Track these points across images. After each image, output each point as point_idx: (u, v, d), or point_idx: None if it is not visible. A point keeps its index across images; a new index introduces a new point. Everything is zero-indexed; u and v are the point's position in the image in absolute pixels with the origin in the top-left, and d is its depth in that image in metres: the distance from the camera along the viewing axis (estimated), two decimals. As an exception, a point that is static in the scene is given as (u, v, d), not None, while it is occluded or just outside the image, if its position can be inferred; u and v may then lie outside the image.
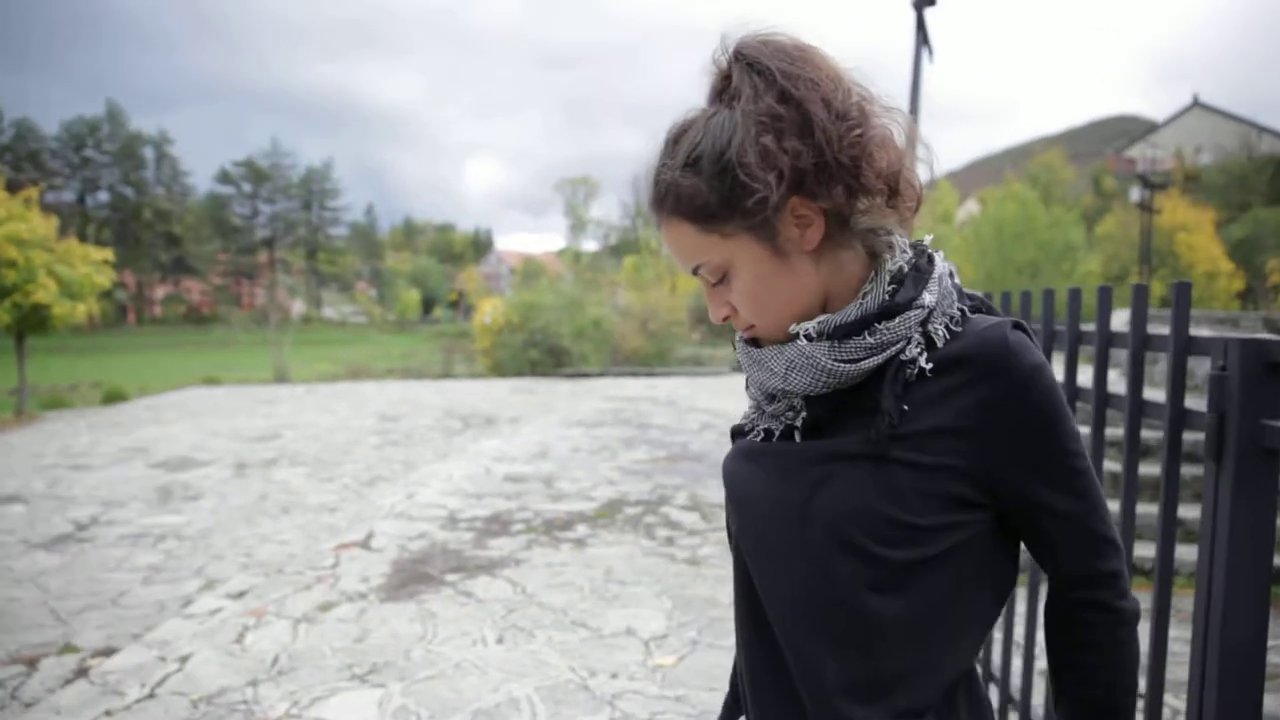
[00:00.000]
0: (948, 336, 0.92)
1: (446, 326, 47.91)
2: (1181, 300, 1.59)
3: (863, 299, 0.92)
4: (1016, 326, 0.91)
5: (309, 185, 69.80)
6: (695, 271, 0.95)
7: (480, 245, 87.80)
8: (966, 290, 0.99)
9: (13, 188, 14.08)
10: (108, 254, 14.57)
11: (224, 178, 67.77)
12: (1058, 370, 2.19)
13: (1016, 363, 0.88)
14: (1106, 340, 1.88)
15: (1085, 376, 2.15)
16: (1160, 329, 1.79)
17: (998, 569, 0.95)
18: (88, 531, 5.85)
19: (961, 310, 0.94)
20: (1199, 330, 4.64)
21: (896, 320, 0.91)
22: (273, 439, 9.88)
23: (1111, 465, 4.75)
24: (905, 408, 0.90)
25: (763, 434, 1.01)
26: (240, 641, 3.64)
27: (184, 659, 3.47)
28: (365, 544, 5.10)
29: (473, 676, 3.27)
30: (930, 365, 0.90)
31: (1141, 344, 1.75)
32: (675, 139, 0.93)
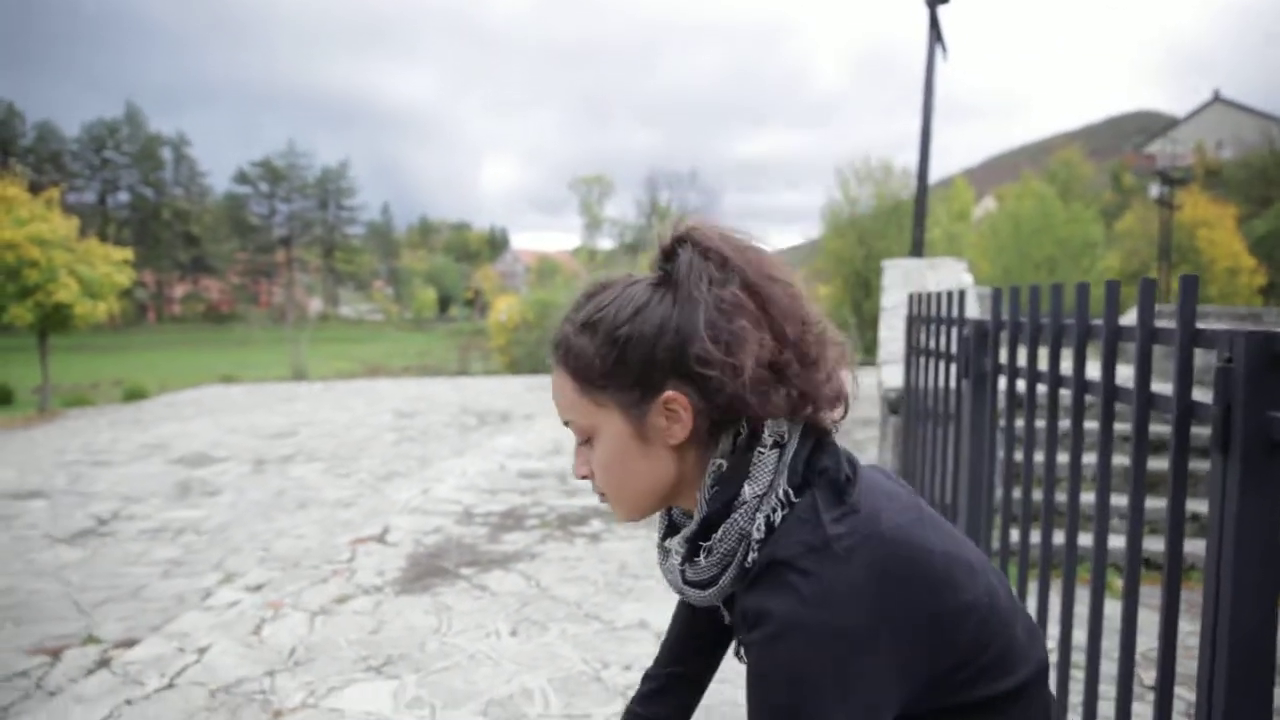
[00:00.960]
0: (760, 539, 0.86)
1: (462, 324, 48.10)
2: (1188, 292, 1.59)
3: (699, 509, 0.90)
4: (769, 567, 0.83)
5: (325, 185, 70.28)
6: (567, 424, 0.95)
7: (496, 244, 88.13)
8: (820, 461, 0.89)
9: (35, 189, 14.31)
10: (128, 254, 14.76)
11: (241, 178, 68.37)
12: (1067, 365, 2.20)
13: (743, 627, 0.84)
14: (1114, 334, 1.88)
15: (1098, 372, 2.15)
16: (1170, 323, 1.80)
17: None
18: (108, 526, 5.93)
19: (788, 497, 0.86)
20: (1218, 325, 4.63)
21: (720, 531, 0.88)
22: (290, 435, 9.97)
23: (1121, 459, 4.73)
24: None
25: None
26: (258, 633, 3.69)
27: (202, 650, 3.52)
28: (381, 538, 5.15)
29: (486, 668, 3.30)
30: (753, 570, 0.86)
31: (1149, 337, 1.75)
32: (588, 295, 0.94)
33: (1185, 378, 1.60)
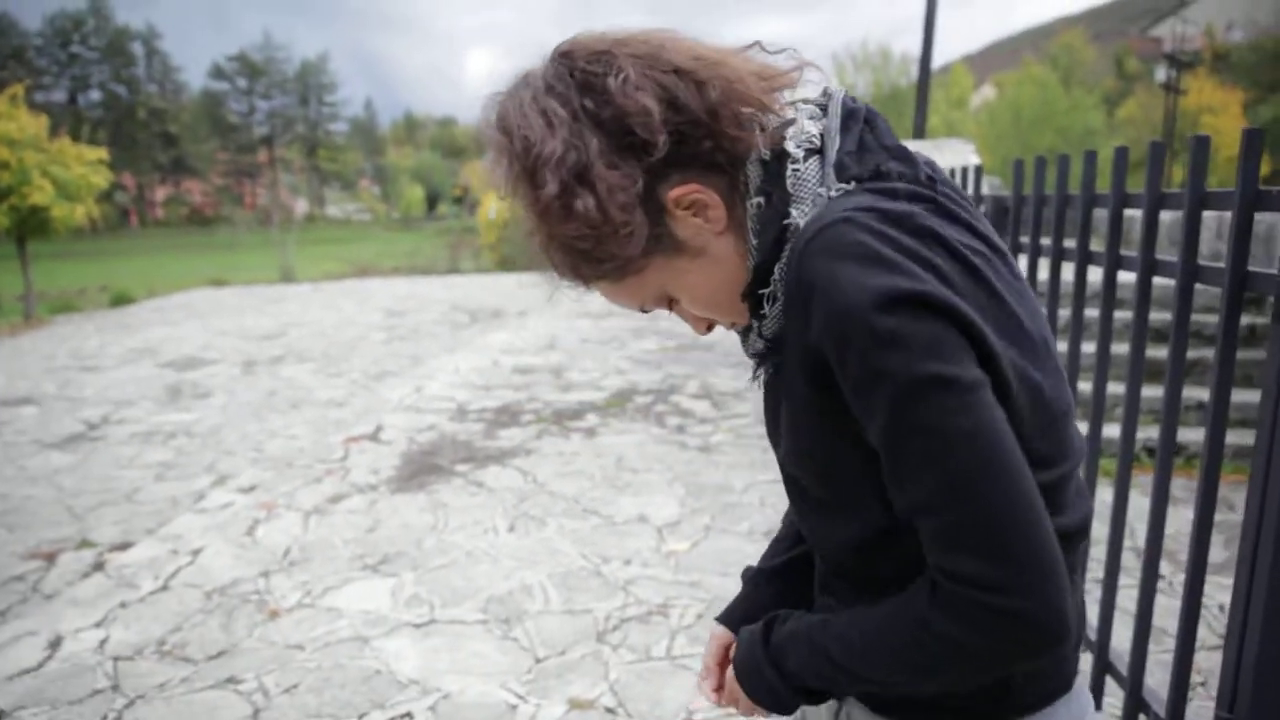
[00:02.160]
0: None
1: (452, 223, 47.39)
2: (1253, 149, 1.42)
3: (751, 258, 0.79)
4: (827, 226, 0.69)
5: (305, 80, 67.92)
6: (643, 309, 0.86)
7: (483, 139, 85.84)
8: (891, 147, 0.78)
9: (-2, 85, 13.69)
10: (102, 153, 14.27)
11: (217, 73, 65.95)
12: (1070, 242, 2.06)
13: (802, 270, 0.69)
14: (1157, 202, 1.72)
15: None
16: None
17: None
18: (99, 430, 5.85)
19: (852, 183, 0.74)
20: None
21: (777, 270, 0.77)
22: (279, 337, 9.83)
23: (1119, 348, 4.62)
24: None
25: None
26: (251, 534, 3.64)
27: (196, 552, 3.47)
28: (374, 437, 5.08)
29: (485, 564, 3.26)
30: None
31: (1198, 203, 1.59)
32: (514, 192, 0.80)
33: (1243, 244, 1.45)
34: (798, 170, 0.76)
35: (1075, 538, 0.78)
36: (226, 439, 5.52)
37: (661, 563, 3.25)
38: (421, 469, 4.45)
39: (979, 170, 2.98)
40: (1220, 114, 28.60)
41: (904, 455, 0.67)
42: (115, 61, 59.62)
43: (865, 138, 0.78)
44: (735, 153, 0.77)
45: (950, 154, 5.73)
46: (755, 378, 0.88)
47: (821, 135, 0.77)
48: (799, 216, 0.75)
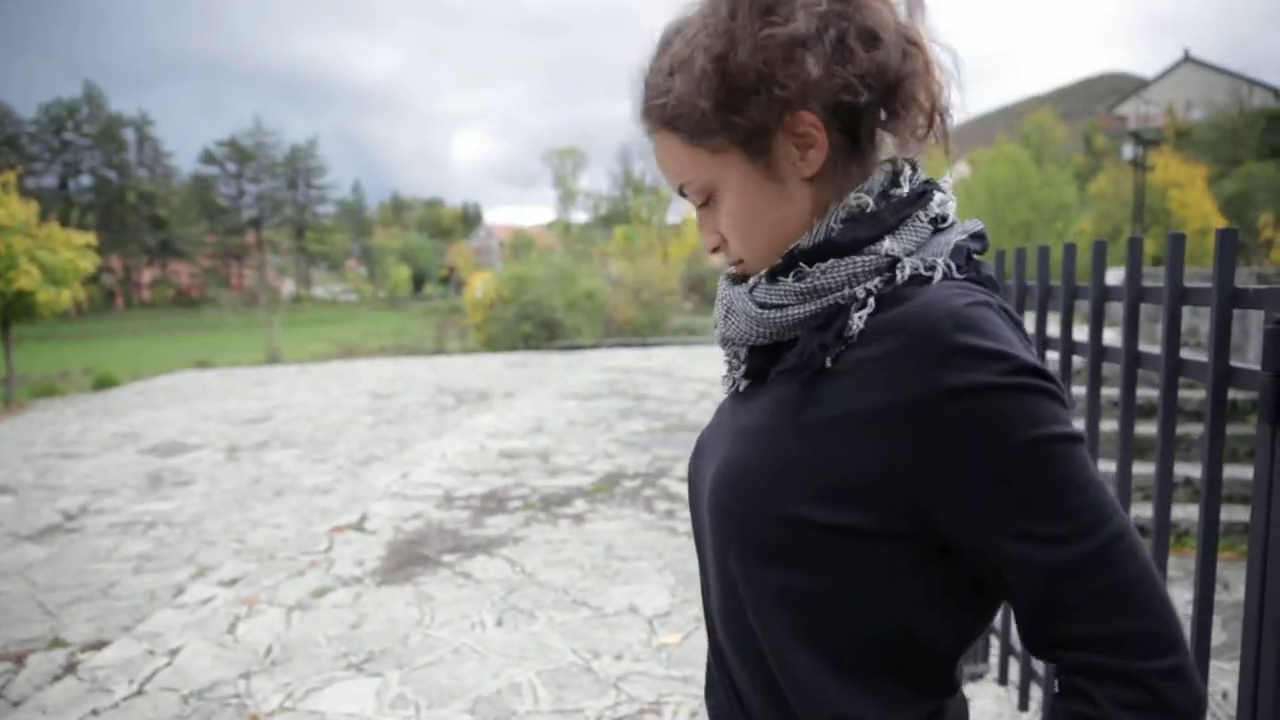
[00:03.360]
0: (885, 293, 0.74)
1: (438, 302, 47.69)
2: (1227, 249, 1.46)
3: (815, 234, 0.78)
4: (981, 303, 0.70)
5: (294, 163, 69.01)
6: (681, 191, 0.83)
7: (469, 219, 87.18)
8: (982, 262, 0.79)
9: (-10, 173, 13.83)
10: (90, 238, 14.36)
11: (208, 158, 66.95)
12: (1053, 328, 2.09)
13: (945, 369, 0.67)
14: (1137, 295, 1.76)
15: (1080, 333, 2.04)
16: (1202, 283, 1.68)
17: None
18: (77, 521, 5.73)
19: (949, 270, 0.74)
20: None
21: (829, 263, 0.76)
22: (265, 421, 9.75)
23: (1108, 425, 4.65)
24: (829, 363, 0.74)
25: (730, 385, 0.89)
26: (232, 632, 3.53)
27: (174, 651, 3.36)
28: (359, 526, 5.00)
29: (472, 662, 3.17)
30: (863, 325, 0.73)
31: (1178, 298, 1.62)
32: (668, 39, 0.80)
33: (1223, 343, 1.47)
34: (921, 217, 0.77)
35: None
36: (208, 529, 5.41)
37: (653, 657, 3.18)
38: (407, 559, 4.37)
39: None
40: (1187, 188, 29.36)
41: (1050, 515, 0.67)
42: (107, 147, 60.51)
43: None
44: (877, 131, 0.79)
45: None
46: (736, 377, 0.85)
47: (949, 214, 0.79)
48: (897, 249, 0.75)
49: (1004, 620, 2.51)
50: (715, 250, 0.84)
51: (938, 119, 0.80)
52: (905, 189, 0.78)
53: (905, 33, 0.77)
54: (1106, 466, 4.47)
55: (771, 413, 0.78)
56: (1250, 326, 5.04)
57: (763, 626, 0.78)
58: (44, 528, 5.59)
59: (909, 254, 0.75)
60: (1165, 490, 1.68)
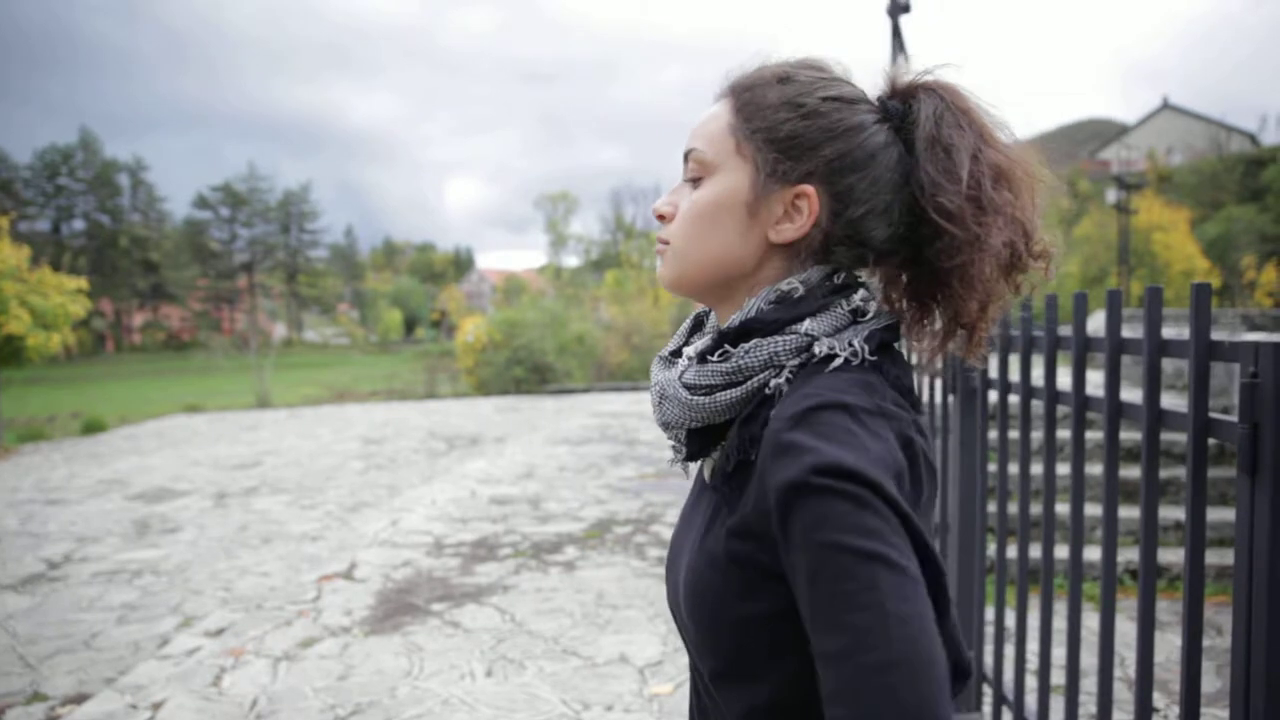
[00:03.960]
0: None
1: (430, 346, 47.66)
2: (1202, 304, 1.49)
3: (744, 312, 0.81)
4: (825, 406, 0.70)
5: (287, 208, 69.37)
6: (687, 157, 0.85)
7: (461, 264, 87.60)
8: (898, 353, 0.83)
9: (-16, 219, 13.88)
10: (82, 283, 14.37)
11: (201, 203, 67.28)
12: (1038, 375, 2.13)
13: (775, 465, 0.69)
14: (1118, 347, 1.79)
15: (1064, 380, 2.06)
16: (1136, 333, 1.72)
17: None
18: (60, 570, 5.66)
19: (861, 356, 0.77)
20: (1172, 330, 4.64)
21: (752, 343, 0.78)
22: (254, 466, 9.68)
23: (1093, 469, 4.68)
24: (752, 457, 0.75)
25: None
26: (217, 684, 3.48)
27: (157, 705, 3.30)
28: (348, 574, 4.95)
29: (461, 714, 3.13)
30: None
31: (1157, 350, 1.65)
32: (810, 67, 0.84)
33: (1202, 394, 1.50)
34: (842, 305, 0.80)
35: None
36: (195, 577, 5.35)
37: (644, 708, 3.14)
38: (397, 609, 4.32)
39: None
40: (1170, 231, 29.77)
41: (825, 626, 0.65)
42: (101, 192, 60.81)
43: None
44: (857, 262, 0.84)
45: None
46: (676, 459, 0.88)
47: (869, 310, 0.82)
48: (816, 330, 0.78)
49: (995, 668, 2.50)
50: (661, 218, 0.87)
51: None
52: (833, 283, 0.83)
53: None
54: (1094, 510, 4.49)
55: (712, 516, 0.81)
56: (1235, 369, 5.09)
57: None
58: (26, 576, 5.52)
59: (827, 335, 0.78)
60: (1150, 535, 1.70)
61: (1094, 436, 5.10)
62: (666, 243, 0.85)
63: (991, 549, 4.07)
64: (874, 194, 0.80)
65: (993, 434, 4.05)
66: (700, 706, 0.90)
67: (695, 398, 0.80)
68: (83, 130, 69.71)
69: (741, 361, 0.78)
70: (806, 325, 0.78)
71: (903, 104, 0.83)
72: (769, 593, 0.73)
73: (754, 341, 0.78)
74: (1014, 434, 4.24)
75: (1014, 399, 2.32)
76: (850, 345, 0.77)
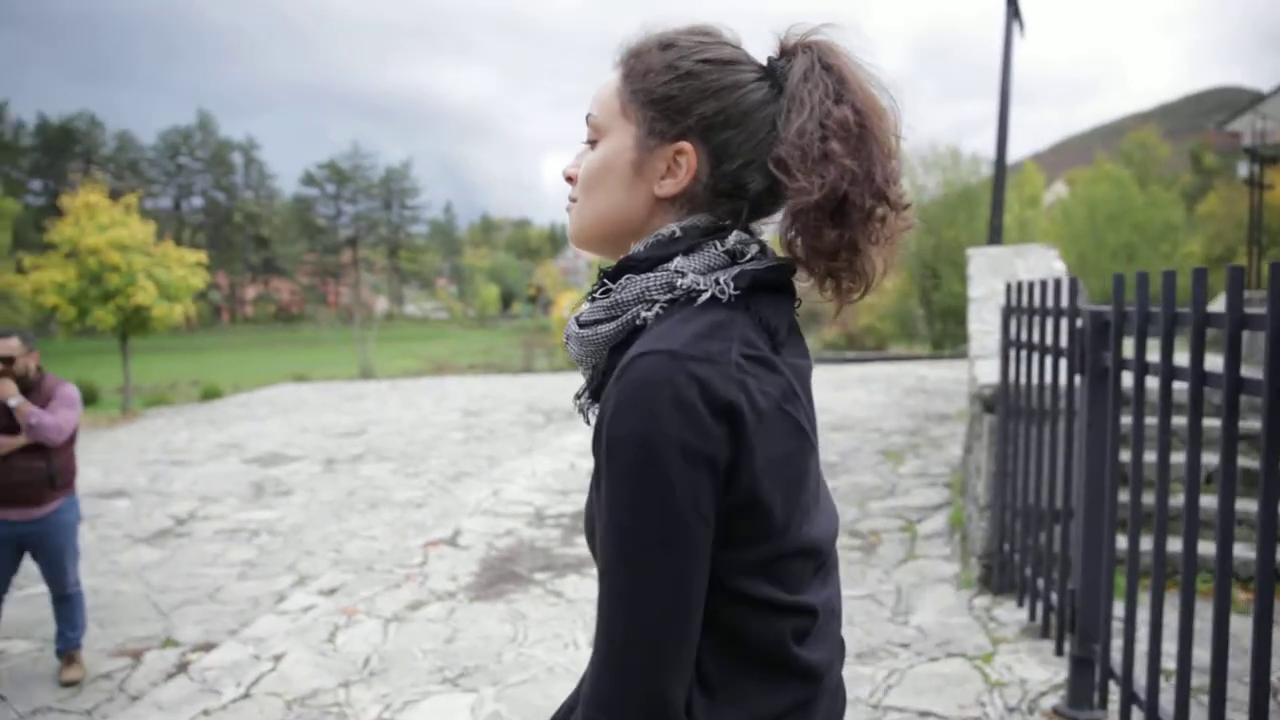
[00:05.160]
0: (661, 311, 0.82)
1: (526, 321, 48.53)
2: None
3: (627, 251, 0.88)
4: (669, 354, 0.75)
5: (389, 185, 71.57)
6: (589, 120, 0.91)
7: (557, 240, 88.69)
8: (769, 295, 0.85)
9: (114, 196, 14.74)
10: (202, 256, 15.12)
11: (308, 180, 70.03)
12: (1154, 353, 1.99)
13: (617, 388, 0.76)
14: (1203, 321, 1.68)
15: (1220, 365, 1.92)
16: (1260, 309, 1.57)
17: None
18: (186, 526, 6.00)
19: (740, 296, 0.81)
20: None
21: (626, 278, 0.85)
22: (359, 434, 10.05)
23: (1210, 458, 4.37)
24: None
25: None
26: (332, 641, 3.63)
27: (278, 657, 3.47)
28: (453, 541, 5.08)
29: (565, 681, 3.17)
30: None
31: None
32: (694, 33, 0.89)
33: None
34: (716, 245, 0.84)
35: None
36: (307, 539, 5.59)
37: (747, 685, 3.12)
38: (500, 576, 4.42)
39: (1074, 284, 2.92)
40: (1309, 209, 27.68)
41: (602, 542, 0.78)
42: (217, 171, 64.03)
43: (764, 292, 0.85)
44: (746, 211, 0.87)
45: (1034, 259, 5.64)
46: (579, 397, 0.93)
47: (749, 251, 0.85)
48: (685, 267, 0.83)
49: (1125, 665, 2.38)
50: (569, 179, 0.93)
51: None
52: (712, 228, 0.87)
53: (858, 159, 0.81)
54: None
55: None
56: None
57: None
58: (157, 531, 5.88)
59: (698, 273, 0.82)
60: (1270, 524, 1.57)
61: (1213, 424, 4.78)
62: (574, 200, 0.92)
63: (1121, 541, 3.87)
64: (750, 148, 0.84)
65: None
66: None
67: (583, 331, 0.88)
68: (200, 112, 73.48)
69: (618, 296, 0.84)
70: (676, 263, 0.83)
71: (787, 63, 0.86)
72: None
73: (627, 277, 0.85)
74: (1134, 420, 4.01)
75: (1165, 385, 2.18)
76: (717, 282, 0.81)
